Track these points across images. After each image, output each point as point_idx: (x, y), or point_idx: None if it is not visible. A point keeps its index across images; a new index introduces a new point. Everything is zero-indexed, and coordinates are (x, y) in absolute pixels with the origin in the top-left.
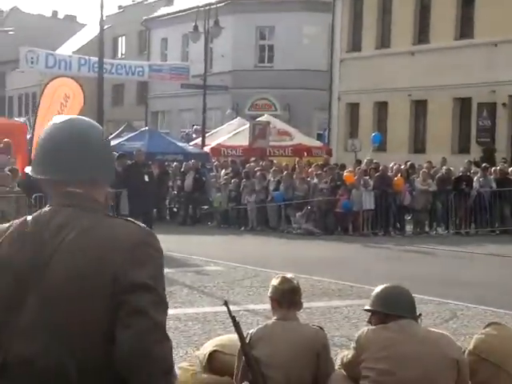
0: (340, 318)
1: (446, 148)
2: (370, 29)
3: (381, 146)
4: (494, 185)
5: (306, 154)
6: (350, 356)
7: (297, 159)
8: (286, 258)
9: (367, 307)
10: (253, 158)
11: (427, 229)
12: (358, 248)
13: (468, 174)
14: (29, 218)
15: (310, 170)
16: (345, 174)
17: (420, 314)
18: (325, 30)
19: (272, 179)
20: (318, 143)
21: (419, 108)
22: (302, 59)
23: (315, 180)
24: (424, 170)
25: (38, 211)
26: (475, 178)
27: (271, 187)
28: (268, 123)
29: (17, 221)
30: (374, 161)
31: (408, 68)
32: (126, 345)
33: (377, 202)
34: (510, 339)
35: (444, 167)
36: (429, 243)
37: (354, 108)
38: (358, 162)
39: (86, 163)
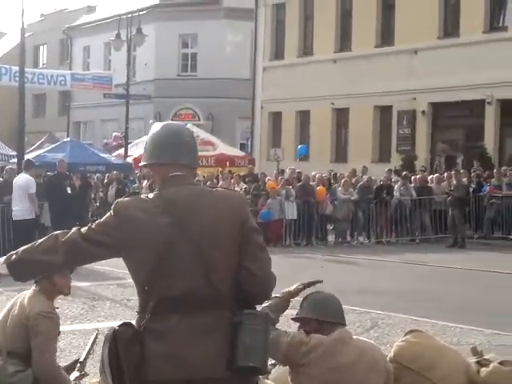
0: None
1: (367, 156)
2: (293, 37)
3: (304, 156)
4: (414, 193)
5: (228, 163)
6: (298, 340)
7: (219, 169)
8: None
9: (299, 315)
10: None
11: (349, 238)
12: (281, 258)
13: (389, 182)
14: (150, 195)
15: (232, 180)
16: (268, 181)
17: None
18: (248, 38)
19: None
20: (240, 153)
21: (341, 116)
22: (226, 68)
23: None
24: (346, 179)
25: (159, 191)
26: (396, 187)
27: None
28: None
29: (139, 196)
30: (297, 170)
31: (330, 76)
32: (259, 272)
33: (299, 212)
34: (430, 346)
35: (365, 176)
36: (350, 252)
37: (276, 117)
38: (281, 172)
39: (189, 152)
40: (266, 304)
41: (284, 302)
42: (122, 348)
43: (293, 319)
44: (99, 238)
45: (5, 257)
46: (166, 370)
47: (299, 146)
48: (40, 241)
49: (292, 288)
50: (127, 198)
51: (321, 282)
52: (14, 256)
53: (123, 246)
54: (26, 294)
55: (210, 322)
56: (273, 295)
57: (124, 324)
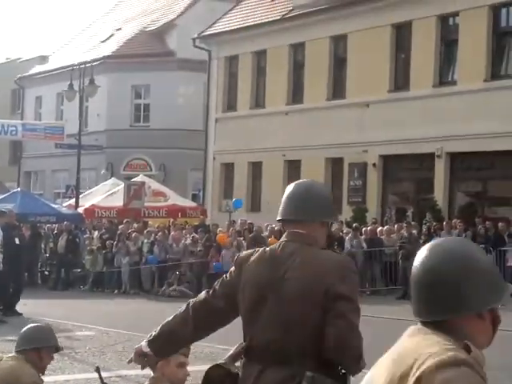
0: None
1: None
2: (245, 89)
3: (255, 207)
4: (364, 245)
5: (180, 214)
6: None
7: (171, 220)
8: (159, 322)
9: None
10: (126, 220)
11: None
12: None
13: (340, 234)
14: (267, 248)
15: (184, 231)
16: (218, 234)
17: None
18: (200, 90)
19: (146, 241)
20: (192, 204)
21: (293, 168)
22: (178, 118)
23: (188, 241)
24: None
25: (274, 244)
26: (347, 238)
27: (145, 249)
28: (143, 183)
29: (258, 249)
30: (248, 221)
31: (282, 128)
32: (332, 339)
33: None
34: None
35: None
36: None
37: (228, 168)
38: (233, 223)
39: (306, 208)
40: None
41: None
42: None
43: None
44: (223, 290)
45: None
46: None
47: (234, 200)
48: (178, 312)
49: (233, 351)
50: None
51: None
52: (154, 332)
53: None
54: None
55: (282, 377)
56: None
57: (217, 365)
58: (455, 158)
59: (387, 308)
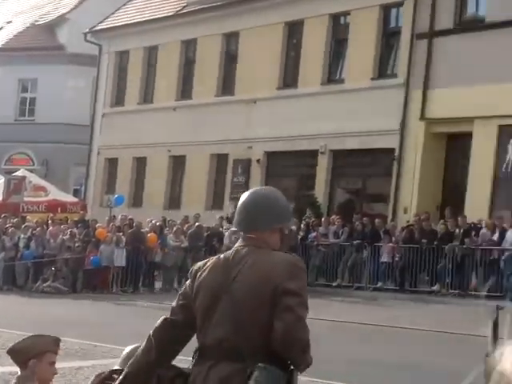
0: (81, 378)
1: (201, 204)
2: (134, 84)
3: (137, 202)
4: None
5: (60, 209)
6: None
7: (50, 215)
8: (30, 318)
9: (117, 367)
10: (4, 215)
11: (176, 285)
12: (106, 306)
13: (220, 229)
14: (221, 255)
15: (62, 226)
16: (98, 227)
17: None
18: (90, 85)
19: (22, 236)
20: (73, 199)
21: (178, 164)
22: (65, 113)
23: (66, 237)
24: (177, 226)
25: (229, 251)
26: (226, 234)
27: (21, 244)
28: (24, 178)
29: (213, 257)
30: (129, 217)
31: (169, 124)
32: (279, 331)
33: (128, 259)
34: None
35: (196, 223)
36: None
37: (112, 163)
38: (113, 218)
39: (255, 219)
40: None
41: None
42: None
43: (112, 371)
44: (179, 302)
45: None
46: None
47: (115, 196)
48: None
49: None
50: None
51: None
52: (120, 376)
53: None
54: None
55: (232, 371)
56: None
57: (170, 366)
58: (338, 155)
59: None
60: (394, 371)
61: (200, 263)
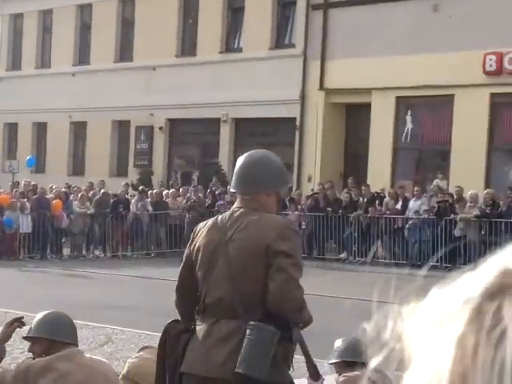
0: None
1: (105, 171)
2: (30, 48)
3: (40, 168)
4: (150, 208)
5: None
6: (23, 368)
7: None
8: None
9: (29, 335)
10: None
11: (84, 252)
12: (14, 272)
13: (126, 196)
14: (219, 216)
15: None
16: (0, 195)
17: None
18: None
19: None
20: None
21: (79, 130)
22: None
23: None
24: (83, 192)
25: (226, 212)
26: (132, 201)
27: None
28: None
29: (212, 218)
30: (32, 183)
31: (68, 89)
32: (273, 292)
33: (34, 225)
34: None
35: (102, 190)
36: (86, 266)
37: (12, 128)
38: (16, 184)
39: (251, 181)
40: None
41: None
42: (170, 341)
43: (24, 338)
44: (185, 263)
45: None
46: (192, 364)
47: (28, 157)
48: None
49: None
50: None
51: (22, 317)
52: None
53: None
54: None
55: (230, 329)
56: None
57: (175, 320)
58: (240, 124)
59: (172, 270)
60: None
61: (201, 224)
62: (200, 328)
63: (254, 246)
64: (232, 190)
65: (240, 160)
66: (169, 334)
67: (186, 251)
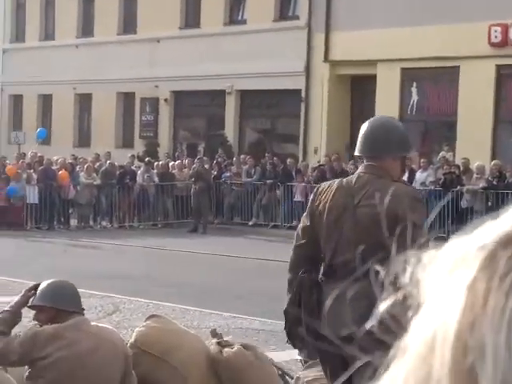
0: None
1: (111, 142)
2: (34, 20)
3: (46, 140)
4: (156, 179)
5: None
6: (30, 335)
7: None
8: None
9: (34, 303)
10: None
11: (91, 223)
12: (22, 243)
13: (132, 168)
14: (343, 179)
15: None
16: (7, 166)
17: (83, 309)
18: None
19: None
20: None
21: (84, 102)
22: None
23: None
24: (89, 164)
25: (351, 176)
26: (139, 173)
27: None
28: None
29: (335, 180)
30: (39, 154)
31: (73, 61)
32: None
33: (41, 196)
34: (169, 331)
35: (108, 161)
36: (93, 237)
37: (17, 100)
38: (22, 155)
39: (378, 145)
40: None
41: (12, 315)
42: (304, 293)
43: (29, 307)
44: (305, 223)
45: None
46: (325, 326)
47: (38, 130)
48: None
49: (17, 298)
50: None
51: (39, 284)
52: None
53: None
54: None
55: (359, 291)
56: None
57: (308, 272)
58: (245, 96)
59: (179, 241)
60: None
61: (324, 184)
62: (329, 287)
63: (383, 215)
64: (357, 154)
65: (365, 125)
66: (302, 286)
67: (308, 210)
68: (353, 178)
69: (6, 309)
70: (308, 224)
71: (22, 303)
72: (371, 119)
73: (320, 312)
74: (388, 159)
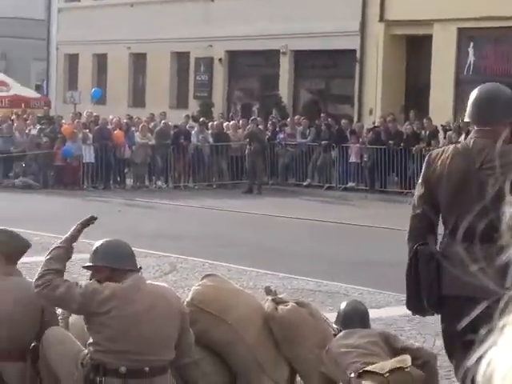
0: None
1: (165, 102)
2: None
3: (101, 100)
4: (211, 139)
5: (24, 105)
6: (91, 290)
7: (15, 110)
8: (2, 214)
9: (89, 264)
10: None
11: (147, 182)
12: (78, 202)
13: (186, 128)
14: (458, 145)
15: (28, 121)
16: (64, 124)
17: (140, 268)
18: None
19: None
20: (36, 95)
21: (138, 61)
22: (19, 7)
23: (34, 132)
24: (143, 123)
25: (464, 141)
26: (193, 133)
27: None
28: None
29: (449, 146)
30: (94, 114)
31: (127, 20)
32: None
33: (97, 156)
34: (225, 290)
35: (163, 121)
36: (148, 197)
37: (73, 59)
38: (78, 115)
39: (490, 111)
40: (48, 256)
41: (65, 250)
42: (421, 263)
43: (84, 267)
44: (422, 190)
45: None
46: (456, 287)
47: (93, 89)
48: None
49: (70, 233)
50: None
51: (95, 218)
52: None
53: None
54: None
55: (490, 252)
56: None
57: (423, 244)
58: (299, 56)
59: (233, 202)
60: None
61: (437, 151)
62: (452, 252)
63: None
64: (467, 120)
65: (475, 91)
66: (420, 257)
67: (423, 177)
68: (468, 142)
69: (58, 245)
70: (423, 191)
71: (74, 237)
72: (481, 86)
73: (439, 285)
74: (499, 125)
